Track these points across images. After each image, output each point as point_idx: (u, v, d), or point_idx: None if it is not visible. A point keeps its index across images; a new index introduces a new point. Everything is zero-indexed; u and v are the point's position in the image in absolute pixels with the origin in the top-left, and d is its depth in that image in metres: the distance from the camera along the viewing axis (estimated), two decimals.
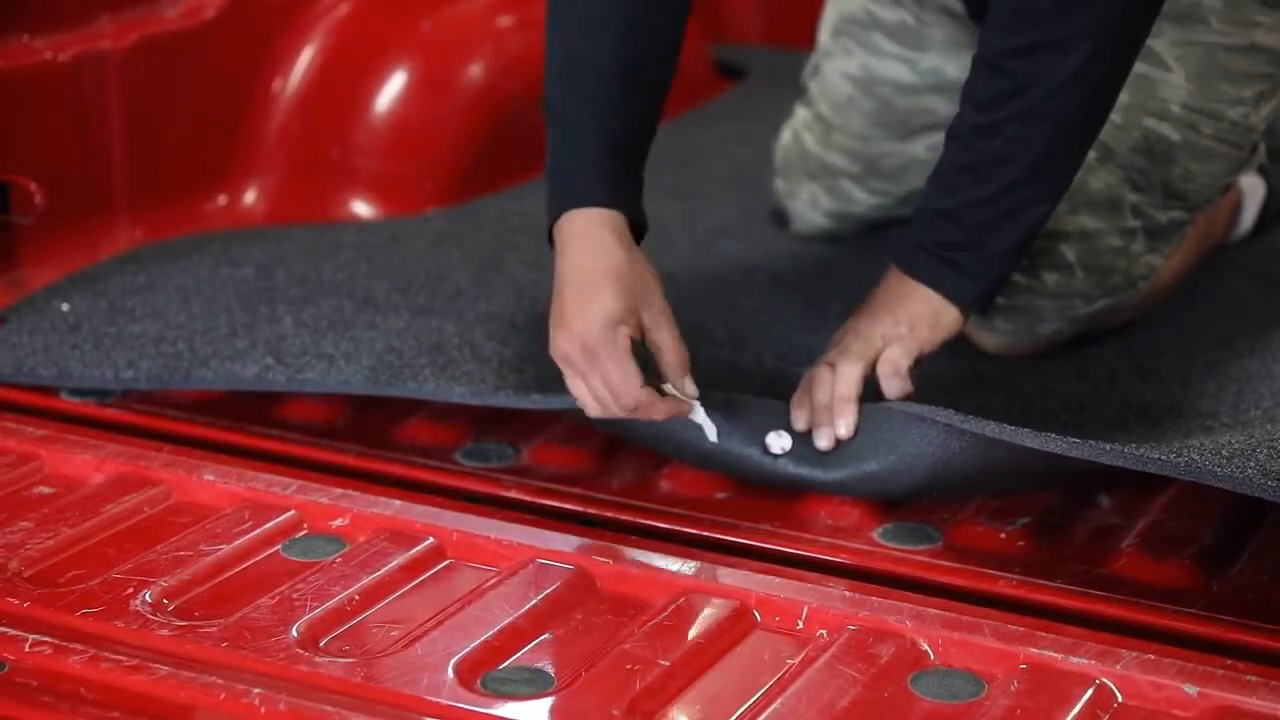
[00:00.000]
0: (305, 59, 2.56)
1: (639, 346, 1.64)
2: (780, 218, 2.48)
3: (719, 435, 1.72)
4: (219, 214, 2.49)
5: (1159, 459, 1.55)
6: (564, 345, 1.65)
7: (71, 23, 2.28)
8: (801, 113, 2.44)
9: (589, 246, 1.67)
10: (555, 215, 1.71)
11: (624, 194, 1.71)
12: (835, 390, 1.73)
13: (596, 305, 1.63)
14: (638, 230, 1.72)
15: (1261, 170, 2.34)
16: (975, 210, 1.74)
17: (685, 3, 1.77)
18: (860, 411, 1.72)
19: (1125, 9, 1.69)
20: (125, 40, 2.31)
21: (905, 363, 1.75)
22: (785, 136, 2.46)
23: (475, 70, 2.69)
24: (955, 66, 2.27)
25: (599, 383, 1.64)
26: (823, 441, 1.73)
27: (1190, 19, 2.00)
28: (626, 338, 1.63)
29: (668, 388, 1.66)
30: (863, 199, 2.39)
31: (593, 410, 1.67)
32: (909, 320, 1.76)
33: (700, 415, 1.69)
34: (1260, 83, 2.05)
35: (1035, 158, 1.72)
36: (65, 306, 2.12)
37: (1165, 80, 2.02)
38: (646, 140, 1.75)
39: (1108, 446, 1.58)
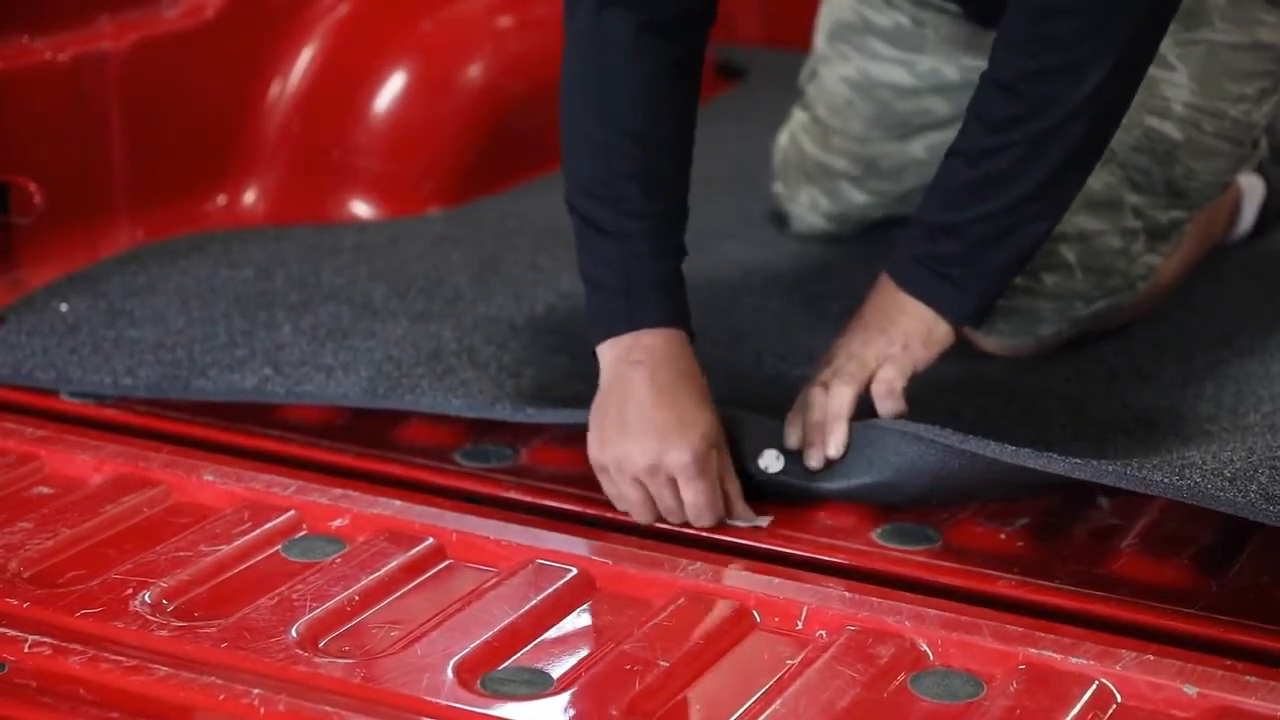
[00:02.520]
0: (305, 59, 2.56)
1: None
2: (779, 218, 2.48)
3: None
4: (219, 214, 2.49)
5: (1162, 481, 1.55)
6: (637, 461, 1.67)
7: (71, 23, 2.28)
8: (799, 116, 2.44)
9: (675, 368, 1.71)
10: (618, 332, 1.73)
11: (686, 311, 1.75)
12: (828, 409, 1.73)
13: (698, 428, 1.68)
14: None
15: (1261, 169, 2.34)
16: (977, 226, 1.73)
17: (697, 86, 1.80)
18: (851, 431, 1.72)
19: (1138, 32, 1.68)
20: (125, 40, 2.31)
21: (900, 383, 1.74)
22: (783, 139, 2.46)
23: (475, 70, 2.69)
24: (953, 67, 2.27)
25: (670, 496, 1.68)
26: (813, 461, 1.73)
27: (1195, 18, 2.00)
28: (717, 460, 1.69)
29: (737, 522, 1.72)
30: (861, 200, 2.39)
31: (644, 517, 1.70)
32: (903, 338, 1.75)
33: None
34: (1263, 80, 2.05)
35: (1043, 178, 1.71)
36: (64, 307, 2.12)
37: (1168, 79, 2.01)
38: (683, 236, 1.78)
39: (1110, 468, 1.57)
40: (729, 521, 1.70)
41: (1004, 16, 1.71)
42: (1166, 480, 1.55)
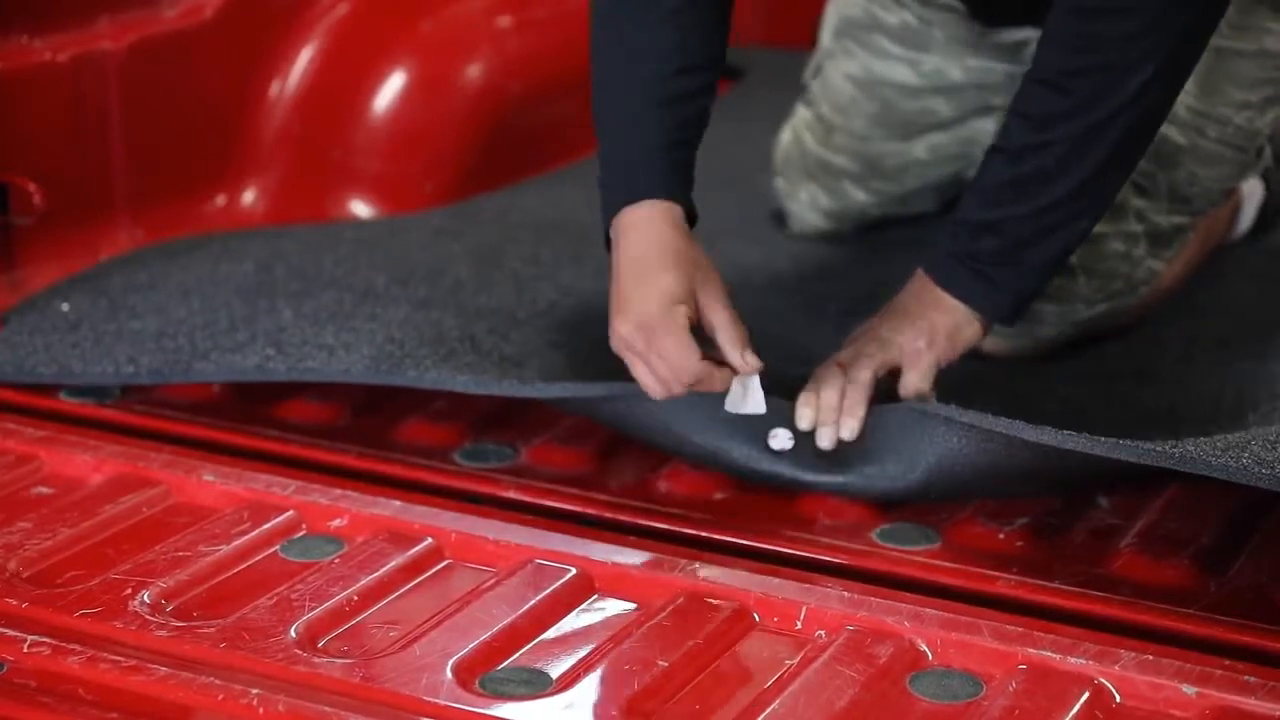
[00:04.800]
0: (304, 59, 2.56)
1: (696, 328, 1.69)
2: (779, 218, 2.48)
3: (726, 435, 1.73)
4: (219, 214, 2.49)
5: (1154, 450, 1.55)
6: (622, 329, 1.68)
7: (71, 23, 2.28)
8: (803, 112, 2.44)
9: (647, 236, 1.71)
10: (613, 211, 1.74)
11: (678, 186, 1.75)
12: (846, 391, 1.73)
13: (655, 287, 1.67)
14: (691, 221, 1.76)
15: (1263, 172, 2.34)
16: (1017, 225, 1.72)
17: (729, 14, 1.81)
18: (868, 413, 1.72)
19: (1185, 35, 1.68)
20: (124, 40, 2.31)
21: (926, 386, 1.74)
22: (785, 136, 2.46)
23: (475, 70, 2.69)
24: (958, 67, 2.27)
25: (659, 361, 1.67)
26: (824, 441, 1.73)
27: None
28: (684, 315, 1.66)
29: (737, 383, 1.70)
30: (862, 199, 2.39)
31: (656, 392, 1.69)
32: (929, 331, 1.75)
33: (755, 387, 1.71)
34: (1267, 87, 2.05)
35: (1085, 177, 1.70)
36: (65, 306, 2.12)
37: None
38: (698, 132, 1.78)
39: (1102, 439, 1.58)
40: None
41: (1050, 15, 1.70)
42: (1159, 449, 1.54)
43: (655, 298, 1.66)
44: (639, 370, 1.68)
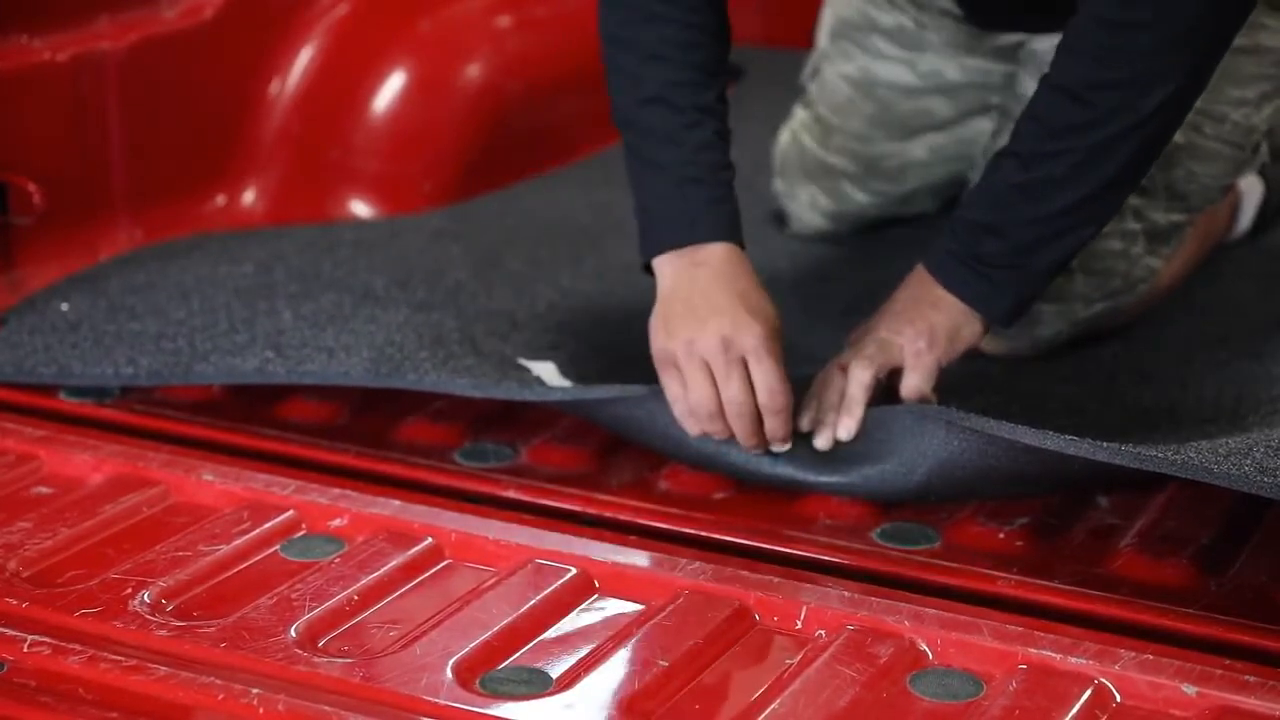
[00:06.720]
0: (304, 59, 2.56)
1: None
2: (778, 218, 2.48)
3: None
4: (218, 214, 2.49)
5: (1156, 456, 1.55)
6: (703, 338, 1.68)
7: (70, 23, 2.28)
8: (801, 114, 2.44)
9: (738, 270, 1.73)
10: (679, 244, 1.75)
11: (740, 227, 1.77)
12: (845, 392, 1.73)
13: (765, 312, 1.70)
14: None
15: (1260, 170, 2.34)
16: (1022, 229, 1.72)
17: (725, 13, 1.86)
18: (865, 417, 1.72)
19: (1208, 51, 1.67)
20: (124, 40, 2.31)
21: (928, 388, 1.74)
22: (784, 137, 2.46)
23: (474, 70, 2.69)
24: (954, 68, 2.27)
25: (740, 378, 1.68)
26: (821, 441, 1.73)
27: None
28: (781, 348, 1.71)
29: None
30: (862, 200, 2.39)
31: (704, 408, 1.69)
32: (929, 331, 1.74)
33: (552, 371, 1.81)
34: (1264, 84, 2.05)
35: (1094, 187, 1.69)
36: (65, 306, 2.12)
37: None
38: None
39: (1105, 445, 1.58)
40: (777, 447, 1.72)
41: (1074, 21, 1.68)
42: (1161, 455, 1.55)
43: (766, 322, 1.69)
44: (700, 380, 1.69)
